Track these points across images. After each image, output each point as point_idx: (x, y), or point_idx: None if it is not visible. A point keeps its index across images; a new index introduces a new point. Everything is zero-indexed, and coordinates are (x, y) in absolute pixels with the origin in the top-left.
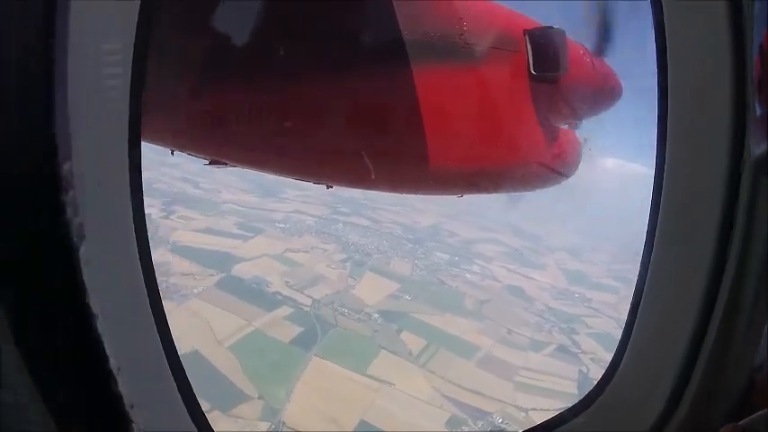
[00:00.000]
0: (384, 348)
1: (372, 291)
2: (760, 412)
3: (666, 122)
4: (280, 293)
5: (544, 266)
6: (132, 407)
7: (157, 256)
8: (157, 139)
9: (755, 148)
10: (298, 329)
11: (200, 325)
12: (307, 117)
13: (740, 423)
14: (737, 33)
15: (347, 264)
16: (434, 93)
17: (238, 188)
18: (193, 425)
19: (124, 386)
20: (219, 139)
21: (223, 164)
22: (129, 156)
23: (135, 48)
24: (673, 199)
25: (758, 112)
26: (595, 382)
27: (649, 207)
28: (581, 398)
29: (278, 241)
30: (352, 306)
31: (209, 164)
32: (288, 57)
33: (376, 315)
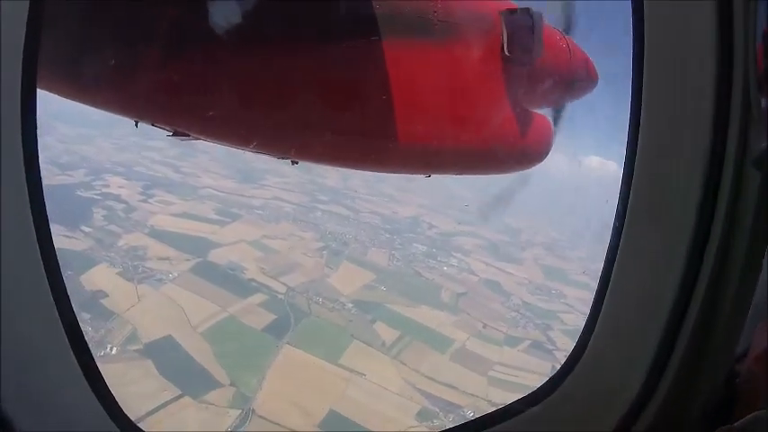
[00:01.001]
0: (357, 338)
1: (348, 280)
2: (755, 413)
3: (640, 112)
4: (255, 280)
5: (522, 261)
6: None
7: (134, 239)
8: (121, 109)
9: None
10: (271, 317)
11: (174, 310)
12: (272, 89)
13: (735, 425)
14: (724, 21)
15: (324, 252)
16: (404, 68)
17: (218, 173)
18: (113, 424)
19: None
20: (182, 109)
21: (186, 135)
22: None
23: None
24: (645, 183)
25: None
26: None
27: (619, 189)
28: (539, 387)
29: (255, 227)
30: (326, 295)
31: (173, 135)
32: (255, 28)
33: (350, 305)
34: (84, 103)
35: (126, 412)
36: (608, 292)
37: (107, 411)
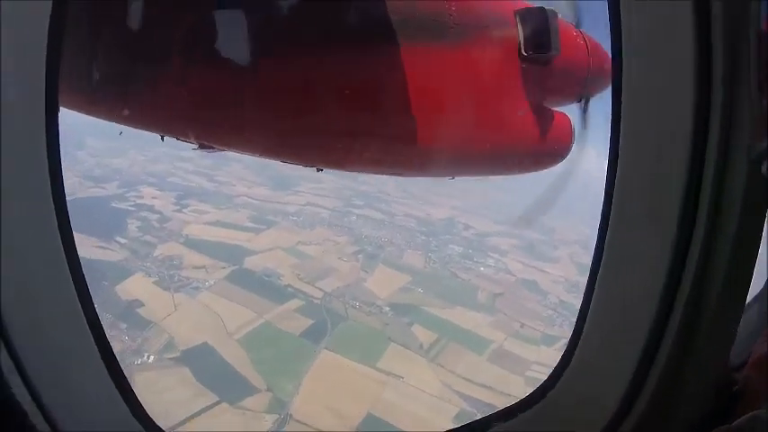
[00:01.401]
0: (394, 342)
1: (384, 283)
2: (753, 413)
3: (620, 118)
4: (291, 286)
5: (558, 260)
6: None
7: (169, 249)
8: (144, 125)
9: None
10: (308, 322)
11: (211, 317)
12: (291, 100)
13: (733, 424)
14: (701, 24)
15: (359, 256)
16: (422, 73)
17: (252, 181)
18: (139, 424)
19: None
20: (205, 123)
21: (211, 148)
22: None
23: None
24: (629, 185)
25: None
26: None
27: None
28: (529, 393)
29: (290, 234)
30: (363, 299)
31: (198, 148)
32: (271, 40)
33: (387, 308)
34: (106, 119)
35: (164, 419)
36: (593, 296)
37: (132, 412)
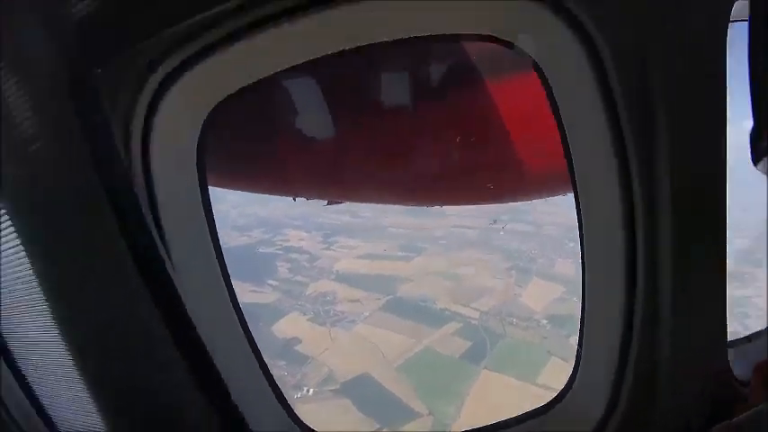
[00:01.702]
0: (554, 355)
1: (539, 296)
2: (754, 408)
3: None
4: (447, 309)
5: None
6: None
7: (321, 286)
8: (276, 189)
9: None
10: (467, 344)
11: (369, 348)
12: (404, 149)
13: (733, 421)
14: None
15: (512, 272)
16: (517, 100)
17: (396, 210)
18: (297, 427)
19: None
20: (329, 182)
21: (339, 202)
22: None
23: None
24: (589, 220)
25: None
26: None
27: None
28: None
29: (440, 258)
30: (519, 314)
31: (328, 204)
32: (373, 101)
33: (544, 321)
34: (233, 189)
35: None
36: (585, 313)
37: (289, 415)
